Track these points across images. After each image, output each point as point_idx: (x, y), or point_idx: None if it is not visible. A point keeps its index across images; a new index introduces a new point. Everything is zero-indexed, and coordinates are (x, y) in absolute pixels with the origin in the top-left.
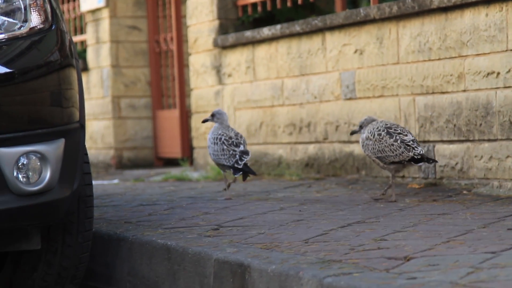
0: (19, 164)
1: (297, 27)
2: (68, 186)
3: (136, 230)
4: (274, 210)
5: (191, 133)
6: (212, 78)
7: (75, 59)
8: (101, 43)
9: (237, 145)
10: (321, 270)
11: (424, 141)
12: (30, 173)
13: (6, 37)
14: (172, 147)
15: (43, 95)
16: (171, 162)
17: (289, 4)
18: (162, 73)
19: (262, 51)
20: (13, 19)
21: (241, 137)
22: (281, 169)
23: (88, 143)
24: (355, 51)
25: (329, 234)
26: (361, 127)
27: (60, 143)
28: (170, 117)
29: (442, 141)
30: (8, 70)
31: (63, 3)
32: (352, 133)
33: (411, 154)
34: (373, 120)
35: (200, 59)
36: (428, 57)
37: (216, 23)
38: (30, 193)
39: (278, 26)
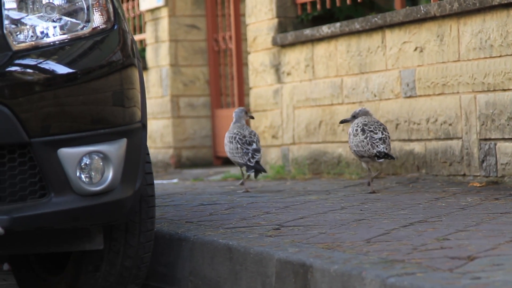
0: (82, 164)
1: (356, 25)
2: (130, 186)
3: (198, 230)
4: (335, 209)
5: None
6: (271, 76)
7: (137, 58)
8: (160, 42)
9: (250, 144)
10: (384, 270)
11: (485, 139)
12: (93, 173)
13: (68, 37)
14: None
15: (106, 95)
16: (230, 161)
17: (348, 1)
18: (221, 71)
19: (321, 49)
20: (76, 20)
21: (254, 135)
22: (340, 168)
23: (147, 143)
24: (415, 49)
25: (391, 233)
26: (354, 117)
27: (122, 143)
28: (229, 116)
29: (504, 139)
30: (70, 71)
31: (122, 2)
32: (342, 121)
33: (374, 151)
34: (366, 112)
35: (259, 58)
36: (489, 54)
37: (275, 21)
38: (93, 193)
39: (338, 24)
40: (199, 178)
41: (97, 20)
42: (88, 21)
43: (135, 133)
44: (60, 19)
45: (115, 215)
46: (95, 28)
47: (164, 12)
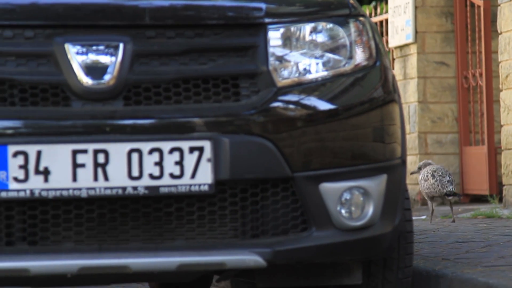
0: (342, 199)
1: None
2: (390, 222)
3: (455, 267)
4: None
5: (501, 170)
6: None
7: (397, 94)
8: (408, 79)
9: None
10: None
11: None
12: (353, 208)
13: (330, 74)
14: (479, 184)
15: (366, 131)
16: (478, 199)
17: None
18: (470, 109)
19: None
20: (338, 56)
21: None
22: None
23: None
24: None
25: None
26: (419, 168)
27: (383, 179)
28: (478, 154)
29: None
30: (332, 107)
31: None
32: (412, 173)
33: (444, 191)
34: (429, 164)
35: (511, 95)
36: None
37: None
38: (353, 228)
39: None
40: (448, 215)
41: (359, 57)
42: (350, 58)
43: (395, 169)
44: (323, 55)
45: (374, 251)
46: (357, 65)
47: (413, 49)
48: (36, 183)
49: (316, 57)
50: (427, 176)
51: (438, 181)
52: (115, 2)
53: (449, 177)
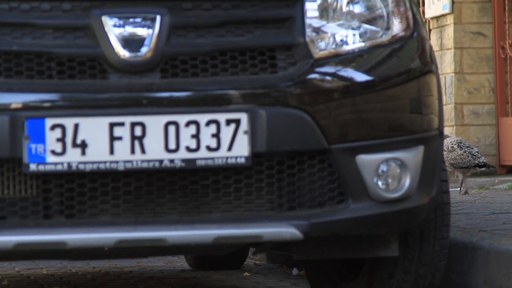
0: (379, 171)
1: None
2: (427, 193)
3: (492, 239)
4: None
5: None
6: None
7: (434, 65)
8: (445, 50)
9: None
10: None
11: None
12: (390, 180)
13: (367, 45)
14: None
15: (403, 103)
16: None
17: None
18: (507, 79)
19: None
20: (375, 27)
21: None
22: None
23: None
24: None
25: None
26: None
27: (419, 150)
28: None
29: None
30: (368, 78)
31: None
32: None
33: (476, 162)
34: (447, 136)
35: None
36: None
37: None
38: (389, 200)
39: None
40: (485, 186)
41: (397, 27)
42: (387, 28)
43: (431, 140)
44: (360, 27)
45: (411, 222)
46: (394, 35)
47: (450, 20)
48: (73, 156)
49: (353, 28)
50: (452, 147)
51: (467, 152)
52: None
53: (476, 149)
